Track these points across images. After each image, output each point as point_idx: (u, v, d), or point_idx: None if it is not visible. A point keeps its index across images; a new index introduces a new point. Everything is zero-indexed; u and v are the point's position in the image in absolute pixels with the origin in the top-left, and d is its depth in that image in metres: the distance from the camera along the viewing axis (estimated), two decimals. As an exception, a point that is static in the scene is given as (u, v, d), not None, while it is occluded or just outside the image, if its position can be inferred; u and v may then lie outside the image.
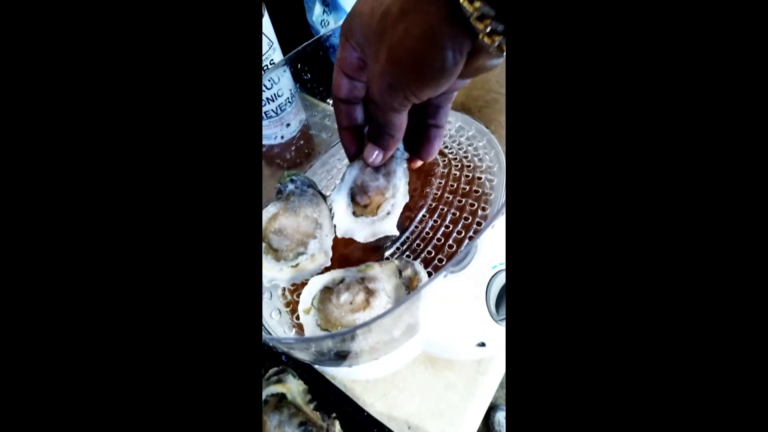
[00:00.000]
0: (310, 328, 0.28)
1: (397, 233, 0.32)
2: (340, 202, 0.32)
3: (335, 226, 0.32)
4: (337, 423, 0.37)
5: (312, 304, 0.30)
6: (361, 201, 0.33)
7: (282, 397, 0.39)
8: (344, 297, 0.29)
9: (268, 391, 0.39)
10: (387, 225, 0.31)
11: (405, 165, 0.34)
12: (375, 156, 0.30)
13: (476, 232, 0.37)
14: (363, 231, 0.32)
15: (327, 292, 0.30)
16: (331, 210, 0.33)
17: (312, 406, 0.38)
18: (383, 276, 0.30)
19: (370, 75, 0.25)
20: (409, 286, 0.30)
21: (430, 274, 0.35)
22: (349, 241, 0.32)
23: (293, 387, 0.39)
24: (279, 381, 0.39)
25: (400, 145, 0.33)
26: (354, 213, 0.33)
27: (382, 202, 0.32)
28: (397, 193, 0.32)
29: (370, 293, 0.29)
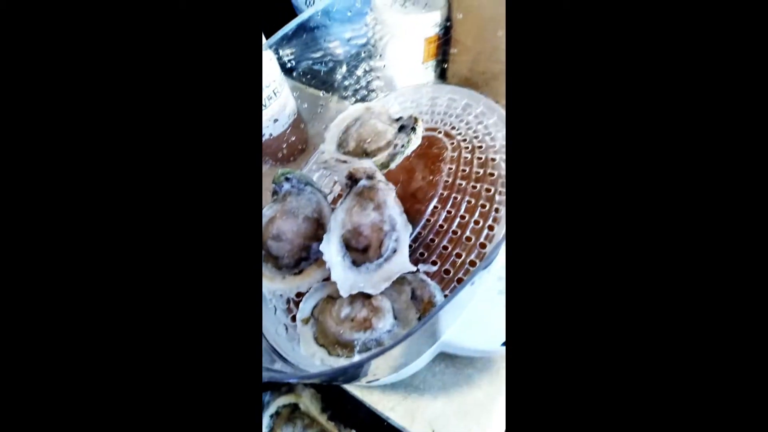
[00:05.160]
0: (307, 342, 0.26)
1: (414, 269, 0.27)
2: (334, 255, 0.28)
3: (337, 285, 0.27)
4: (354, 433, 0.35)
5: (312, 314, 0.27)
6: (358, 245, 0.28)
7: (294, 407, 0.36)
8: (345, 312, 0.26)
9: (280, 402, 0.36)
10: (397, 264, 0.27)
11: (393, 193, 0.29)
12: None
13: (495, 220, 0.33)
14: (371, 279, 0.27)
15: (329, 301, 0.28)
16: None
17: (326, 415, 0.36)
18: (393, 292, 0.27)
19: None
20: (421, 311, 0.27)
21: (447, 273, 0.32)
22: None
23: (305, 396, 0.37)
24: (290, 390, 0.37)
25: (379, 174, 0.29)
26: (354, 263, 0.28)
27: (383, 239, 0.28)
28: (396, 224, 0.28)
29: (374, 311, 0.26)
